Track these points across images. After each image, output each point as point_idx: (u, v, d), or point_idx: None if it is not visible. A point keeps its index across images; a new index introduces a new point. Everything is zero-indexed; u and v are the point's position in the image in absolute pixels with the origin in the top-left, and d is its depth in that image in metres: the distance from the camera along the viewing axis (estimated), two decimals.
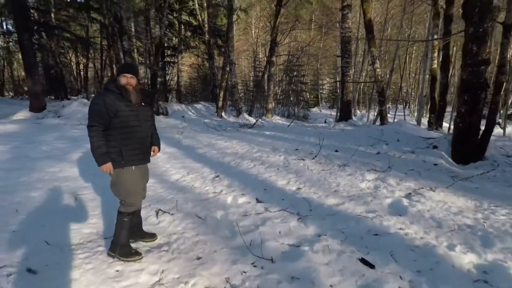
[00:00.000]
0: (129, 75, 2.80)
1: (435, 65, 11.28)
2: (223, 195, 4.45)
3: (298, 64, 22.65)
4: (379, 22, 22.34)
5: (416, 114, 26.72)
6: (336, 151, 7.38)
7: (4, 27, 24.21)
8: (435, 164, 6.33)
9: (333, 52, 30.10)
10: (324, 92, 35.50)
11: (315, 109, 28.05)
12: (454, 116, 9.08)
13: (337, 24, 23.72)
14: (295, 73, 22.77)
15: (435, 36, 11.22)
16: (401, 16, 19.46)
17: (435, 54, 11.22)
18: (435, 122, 11.49)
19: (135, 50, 19.28)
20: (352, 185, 4.96)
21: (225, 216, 3.72)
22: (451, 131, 13.03)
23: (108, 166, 2.71)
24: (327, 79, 37.87)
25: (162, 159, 6.36)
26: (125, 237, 2.92)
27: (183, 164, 6.12)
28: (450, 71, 15.05)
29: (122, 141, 2.78)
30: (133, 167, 2.86)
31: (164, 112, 14.82)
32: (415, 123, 14.20)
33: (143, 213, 3.64)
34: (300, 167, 5.92)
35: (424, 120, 18.02)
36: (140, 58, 20.32)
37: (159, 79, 16.55)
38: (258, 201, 4.29)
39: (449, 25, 12.30)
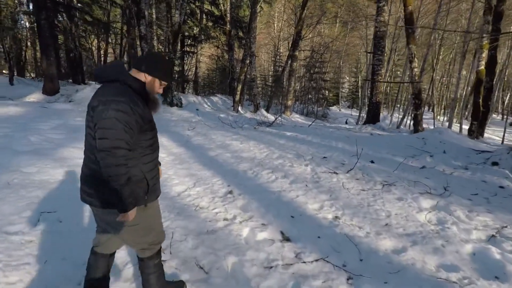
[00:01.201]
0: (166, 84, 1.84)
1: (482, 67, 9.63)
2: (237, 224, 3.19)
3: (321, 61, 21.07)
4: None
5: (442, 118, 24.80)
6: (372, 162, 6.01)
7: (30, 6, 23.53)
8: (501, 187, 4.91)
9: (356, 50, 28.26)
10: (344, 90, 33.68)
11: (334, 108, 26.43)
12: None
13: (362, 23, 21.96)
14: (316, 69, 21.21)
15: (484, 34, 9.55)
16: (436, 12, 17.50)
17: (484, 54, 9.58)
18: (477, 130, 9.90)
19: (155, 37, 18.16)
20: (407, 217, 3.61)
21: (239, 267, 2.45)
22: (498, 141, 11.40)
23: (135, 209, 1.70)
24: (347, 78, 35.98)
25: (165, 163, 5.14)
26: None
27: (189, 171, 4.88)
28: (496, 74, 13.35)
29: (146, 166, 1.78)
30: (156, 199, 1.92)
31: (179, 103, 13.66)
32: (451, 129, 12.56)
33: (119, 259, 2.43)
34: (333, 184, 4.60)
35: (455, 126, 16.29)
36: (160, 46, 19.18)
37: (176, 68, 15.33)
38: (284, 237, 3.02)
39: (499, 22, 10.63)
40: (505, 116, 24.17)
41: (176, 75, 20.43)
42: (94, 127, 1.59)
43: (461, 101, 15.66)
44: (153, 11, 17.10)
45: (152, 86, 1.77)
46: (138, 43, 12.74)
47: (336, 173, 5.07)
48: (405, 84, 21.64)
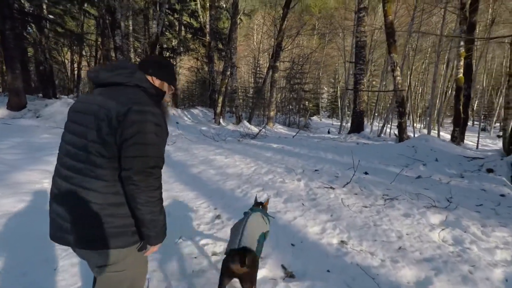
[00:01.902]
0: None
1: (461, 75, 9.63)
2: None
3: (301, 71, 20.97)
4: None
5: (419, 125, 25.21)
6: (366, 173, 5.60)
7: None
8: (502, 195, 4.61)
9: (334, 61, 28.57)
10: (323, 101, 33.89)
11: (315, 118, 26.37)
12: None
13: (339, 34, 22.20)
14: (297, 80, 21.08)
15: (461, 43, 9.60)
16: (409, 25, 17.86)
17: (461, 63, 9.59)
18: (459, 136, 9.83)
19: (131, 49, 17.45)
20: (420, 237, 3.16)
21: None
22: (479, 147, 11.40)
23: None
24: (325, 88, 36.32)
25: None
26: None
27: (169, 193, 4.25)
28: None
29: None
30: None
31: None
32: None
33: None
34: (332, 201, 4.11)
35: (433, 133, 16.41)
36: (137, 58, 18.44)
37: None
38: (287, 273, 2.47)
39: (472, 32, 10.79)
40: (475, 122, 24.88)
41: None
42: (118, 139, 1.23)
43: (435, 109, 15.86)
44: (130, 22, 16.46)
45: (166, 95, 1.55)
46: (113, 54, 12.01)
47: (333, 188, 4.60)
48: (383, 93, 21.89)
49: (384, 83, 20.00)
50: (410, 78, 18.75)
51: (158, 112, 1.31)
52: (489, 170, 5.50)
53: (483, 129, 22.81)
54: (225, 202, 4.01)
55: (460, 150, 7.43)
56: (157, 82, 1.48)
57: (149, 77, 1.45)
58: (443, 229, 3.31)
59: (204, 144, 8.30)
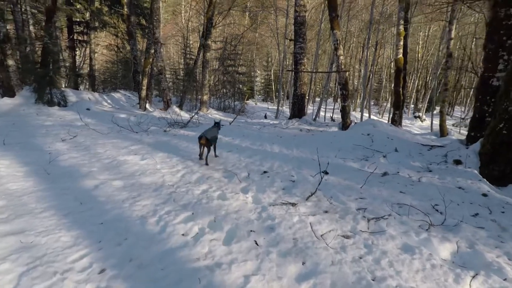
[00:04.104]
0: None
1: (400, 55, 9.02)
2: None
3: (234, 52, 19.13)
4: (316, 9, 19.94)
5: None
6: (326, 172, 4.30)
7: None
8: (484, 195, 3.71)
9: (266, 43, 27.28)
10: (257, 84, 32.66)
11: (250, 102, 24.99)
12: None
13: (271, 15, 20.80)
14: (230, 62, 19.23)
15: (401, 22, 8.93)
16: (341, 6, 17.30)
17: (401, 42, 8.97)
18: (399, 120, 9.37)
19: (21, 17, 13.56)
20: None
21: None
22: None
23: None
24: (258, 72, 35.10)
25: None
26: None
27: (22, 237, 2.29)
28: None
29: None
30: None
31: (62, 102, 9.99)
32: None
33: None
34: (298, 231, 2.64)
35: (363, 116, 16.36)
36: (32, 29, 14.49)
37: (53, 57, 11.26)
38: None
39: (407, 12, 10.37)
40: (405, 107, 26.33)
41: (65, 69, 16.00)
42: None
43: (364, 92, 15.78)
44: None
45: None
46: None
47: (293, 205, 3.14)
48: (314, 74, 21.39)
49: (316, 63, 19.33)
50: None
51: None
52: (457, 162, 4.67)
53: None
54: (125, 252, 2.24)
55: (410, 136, 6.68)
56: None
57: None
58: (473, 277, 2.09)
59: (118, 138, 6.15)
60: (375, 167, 4.65)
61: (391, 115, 17.85)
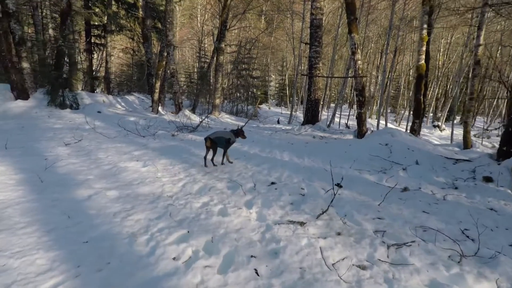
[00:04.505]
0: None
1: (422, 61, 8.51)
2: None
3: (248, 56, 18.92)
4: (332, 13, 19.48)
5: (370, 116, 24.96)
6: (340, 185, 3.92)
7: None
8: None
9: (281, 48, 26.99)
10: (271, 88, 32.38)
11: (263, 106, 24.70)
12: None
13: (288, 20, 20.50)
14: (244, 65, 19.02)
15: (425, 26, 8.43)
16: (359, 11, 16.81)
17: (423, 48, 8.47)
18: (418, 129, 8.83)
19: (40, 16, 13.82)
20: None
21: None
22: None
23: None
24: (273, 76, 34.83)
25: None
26: None
27: None
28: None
29: None
30: None
31: (74, 104, 9.99)
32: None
33: None
34: (305, 257, 2.28)
35: (381, 125, 15.74)
36: (51, 32, 14.73)
37: (70, 59, 11.35)
38: None
39: (430, 16, 9.85)
40: (424, 115, 25.40)
41: (81, 71, 16.20)
42: None
43: (381, 99, 15.18)
44: None
45: None
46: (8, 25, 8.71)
47: (302, 224, 2.78)
48: (329, 80, 20.89)
49: (331, 68, 18.85)
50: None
51: None
52: (487, 179, 4.18)
53: None
54: (104, 281, 1.93)
55: (431, 147, 6.18)
56: None
57: None
58: None
59: (123, 143, 5.96)
60: (395, 182, 4.23)
61: (410, 124, 17.23)
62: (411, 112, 20.67)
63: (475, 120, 25.50)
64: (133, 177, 3.91)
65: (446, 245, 2.54)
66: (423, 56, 8.50)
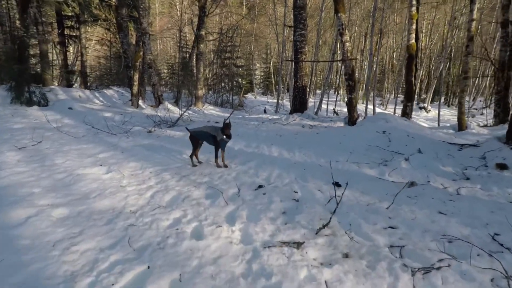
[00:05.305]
0: None
1: (413, 40, 7.89)
2: None
3: (231, 44, 17.93)
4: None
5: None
6: (338, 184, 3.29)
7: None
8: None
9: (265, 35, 25.97)
10: (256, 77, 31.38)
11: (249, 96, 23.83)
12: None
13: (270, 5, 19.49)
14: (227, 54, 18.04)
15: (414, 2, 7.78)
16: None
17: (413, 26, 7.84)
18: (410, 112, 8.29)
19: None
20: None
21: None
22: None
23: None
24: (258, 64, 33.78)
25: None
26: None
27: None
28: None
29: None
30: None
31: (42, 101, 8.97)
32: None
33: None
34: None
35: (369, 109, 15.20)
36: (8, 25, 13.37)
37: (31, 51, 10.10)
38: None
39: None
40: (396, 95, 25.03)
41: (59, 66, 14.97)
42: None
43: (369, 83, 14.62)
44: None
45: None
46: None
47: (299, 245, 2.12)
48: (314, 66, 20.17)
49: (317, 52, 18.05)
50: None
51: None
52: (501, 166, 3.63)
53: (403, 101, 22.91)
54: None
55: (429, 132, 5.62)
56: None
57: None
58: None
59: (91, 143, 5.15)
60: (399, 176, 3.64)
61: (397, 107, 16.77)
62: (397, 95, 20.32)
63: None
64: (91, 187, 3.16)
65: (483, 262, 1.95)
66: (413, 35, 7.88)
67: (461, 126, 7.48)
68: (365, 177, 3.64)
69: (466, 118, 13.20)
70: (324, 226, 2.29)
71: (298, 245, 2.09)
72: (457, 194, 3.17)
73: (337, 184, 3.30)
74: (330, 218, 2.36)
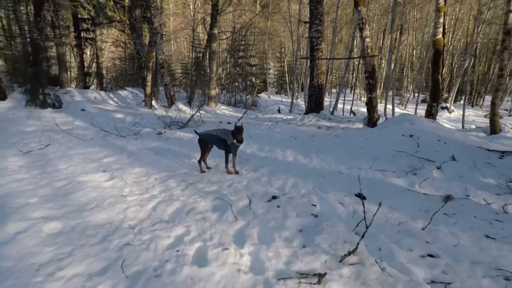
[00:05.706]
0: None
1: (440, 35, 7.32)
2: None
3: (245, 43, 17.61)
4: None
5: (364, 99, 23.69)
6: (362, 196, 2.90)
7: None
8: None
9: (279, 34, 25.51)
10: (270, 76, 30.96)
11: (263, 95, 23.45)
12: None
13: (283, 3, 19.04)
14: (241, 53, 17.73)
15: None
16: None
17: (441, 20, 7.27)
18: (436, 113, 7.71)
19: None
20: None
21: None
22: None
23: None
24: (271, 63, 33.32)
25: None
26: None
27: None
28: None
29: None
30: None
31: (56, 103, 8.94)
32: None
33: None
34: None
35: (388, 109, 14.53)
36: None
37: (44, 54, 10.07)
38: None
39: None
40: (415, 94, 24.01)
41: (76, 68, 15.10)
42: None
43: (388, 82, 13.94)
44: None
45: None
46: None
47: (320, 277, 1.76)
48: (330, 64, 19.55)
49: (333, 50, 17.40)
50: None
51: None
52: None
53: (423, 101, 21.90)
54: None
55: (460, 136, 5.09)
56: None
57: None
58: None
59: (98, 146, 4.95)
60: (431, 187, 3.20)
61: (418, 107, 15.96)
62: (418, 94, 19.39)
63: (483, 100, 24.20)
64: (90, 197, 2.90)
65: None
66: (440, 29, 7.30)
67: (494, 129, 6.86)
68: (392, 187, 3.23)
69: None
70: (350, 253, 1.92)
71: (320, 277, 1.74)
72: (504, 213, 2.71)
73: (360, 196, 2.91)
74: (358, 243, 1.98)
